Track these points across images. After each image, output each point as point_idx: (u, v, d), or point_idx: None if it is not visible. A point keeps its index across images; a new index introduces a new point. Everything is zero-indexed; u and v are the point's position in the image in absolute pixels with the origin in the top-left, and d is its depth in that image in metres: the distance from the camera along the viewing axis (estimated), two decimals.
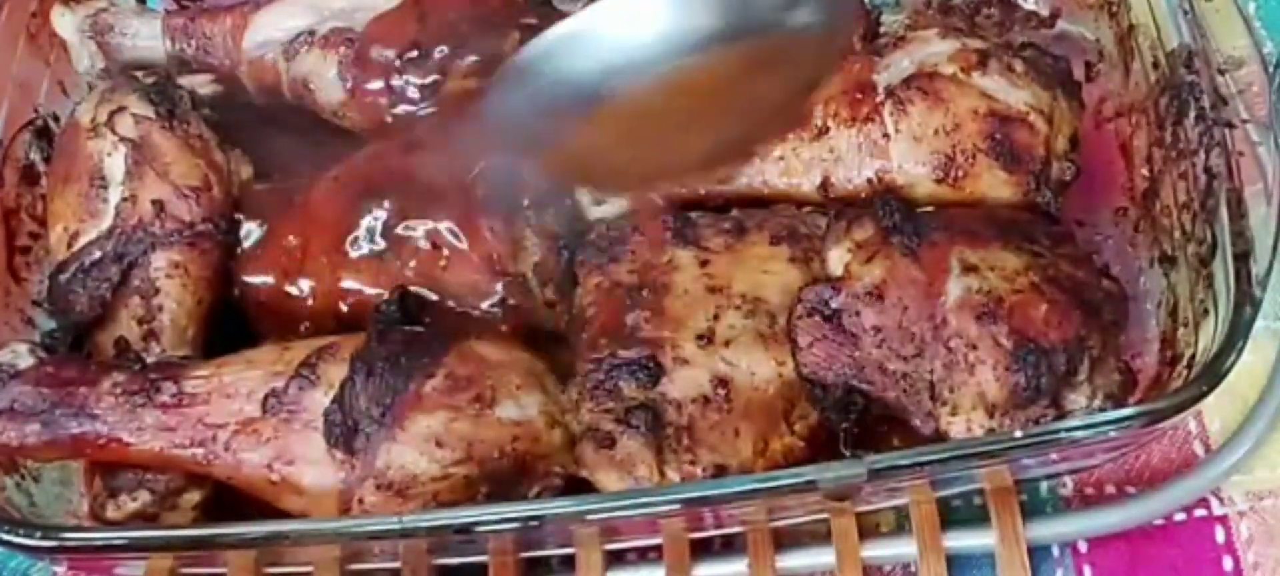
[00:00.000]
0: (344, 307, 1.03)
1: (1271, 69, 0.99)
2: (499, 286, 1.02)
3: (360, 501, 0.92)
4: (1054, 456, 0.94)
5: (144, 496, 0.96)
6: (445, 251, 1.02)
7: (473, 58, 1.11)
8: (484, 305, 1.02)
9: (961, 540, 0.96)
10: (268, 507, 0.95)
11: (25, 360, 0.98)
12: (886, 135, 1.04)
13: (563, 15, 1.16)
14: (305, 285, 1.04)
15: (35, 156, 1.15)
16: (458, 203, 1.02)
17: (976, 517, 0.97)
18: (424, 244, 1.02)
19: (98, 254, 1.03)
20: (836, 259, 1.00)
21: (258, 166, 1.11)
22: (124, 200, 1.04)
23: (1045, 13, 1.18)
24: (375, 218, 1.03)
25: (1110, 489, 1.02)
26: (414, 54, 1.11)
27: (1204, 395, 0.88)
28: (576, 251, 1.04)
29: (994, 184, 1.03)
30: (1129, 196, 1.09)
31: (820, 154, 1.06)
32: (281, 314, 1.05)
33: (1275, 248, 0.92)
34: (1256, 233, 0.93)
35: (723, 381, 0.96)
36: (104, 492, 0.97)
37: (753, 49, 1.00)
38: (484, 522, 0.88)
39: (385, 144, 1.09)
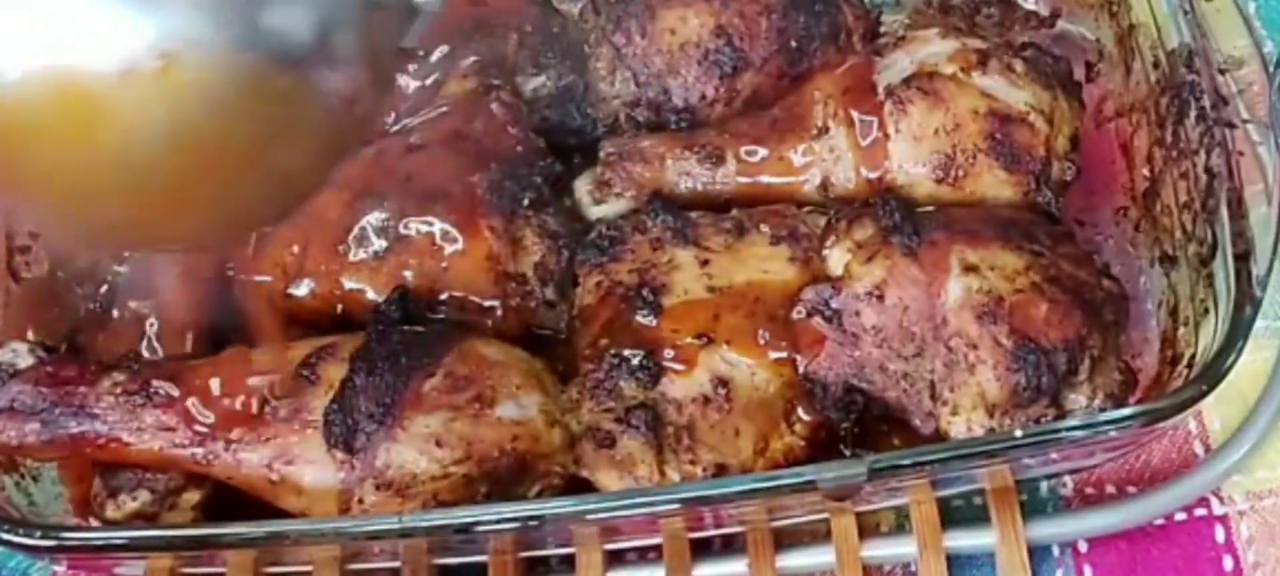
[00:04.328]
0: (343, 308, 1.03)
1: (1272, 69, 0.99)
2: (499, 286, 1.01)
3: (360, 501, 0.91)
4: (1054, 456, 0.94)
5: (144, 496, 0.96)
6: (445, 251, 1.02)
7: (473, 58, 1.11)
8: (484, 305, 1.02)
9: (961, 540, 0.96)
10: (268, 507, 0.95)
11: (25, 359, 0.97)
12: (886, 135, 1.04)
13: (562, 15, 1.16)
14: (305, 285, 1.04)
15: None
16: (458, 203, 1.02)
17: (976, 517, 0.97)
18: (424, 244, 1.02)
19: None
20: (836, 259, 1.00)
21: None
22: None
23: (1045, 12, 1.18)
24: (375, 217, 1.03)
25: (1110, 489, 1.02)
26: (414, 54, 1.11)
27: (1204, 395, 0.89)
28: (576, 251, 1.04)
29: (994, 184, 1.03)
30: (1129, 196, 1.09)
31: (820, 154, 1.06)
32: (281, 314, 1.05)
33: (1275, 248, 0.92)
34: (1256, 232, 0.93)
35: (723, 381, 0.96)
36: (104, 492, 0.97)
37: (266, 109, 0.81)
38: (484, 522, 0.88)
39: (385, 144, 1.09)
